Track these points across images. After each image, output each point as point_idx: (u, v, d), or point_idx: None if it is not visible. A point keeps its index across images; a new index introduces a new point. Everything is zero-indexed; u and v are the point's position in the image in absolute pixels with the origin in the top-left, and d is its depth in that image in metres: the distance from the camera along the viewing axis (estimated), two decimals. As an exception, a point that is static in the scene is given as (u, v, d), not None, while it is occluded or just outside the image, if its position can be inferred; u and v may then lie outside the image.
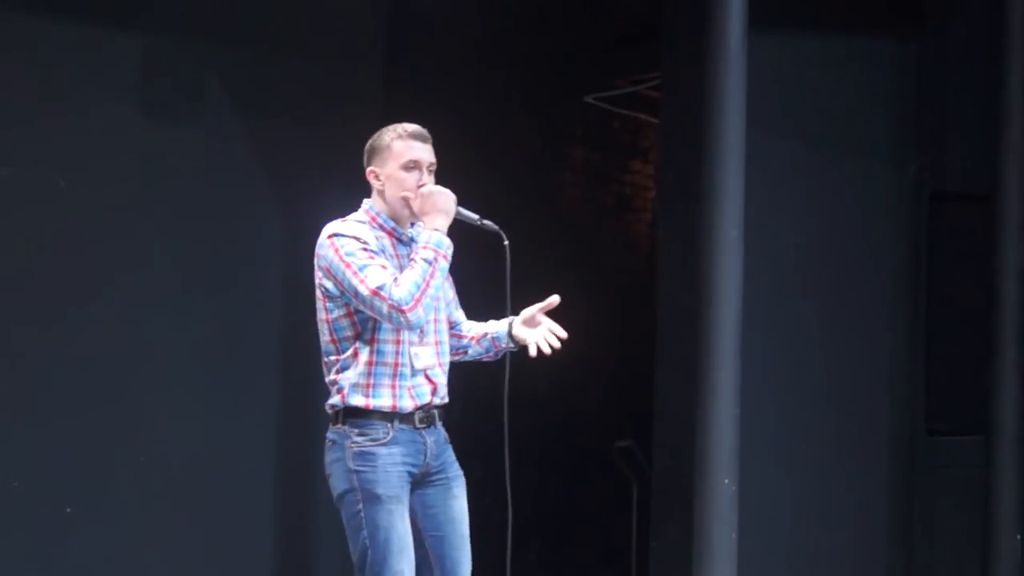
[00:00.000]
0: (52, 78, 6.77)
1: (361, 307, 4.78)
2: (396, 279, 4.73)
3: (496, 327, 5.19)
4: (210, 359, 7.32)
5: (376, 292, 4.70)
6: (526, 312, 5.11)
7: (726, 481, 6.82)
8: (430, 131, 8.95)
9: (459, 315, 5.25)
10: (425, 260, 4.76)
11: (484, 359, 5.26)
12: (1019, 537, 8.09)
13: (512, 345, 5.14)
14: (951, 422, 8.77)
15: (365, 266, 4.75)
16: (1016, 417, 8.06)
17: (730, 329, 6.83)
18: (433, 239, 4.82)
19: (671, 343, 7.99)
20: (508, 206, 9.36)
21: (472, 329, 5.21)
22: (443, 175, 8.97)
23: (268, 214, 7.58)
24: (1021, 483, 8.09)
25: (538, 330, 5.08)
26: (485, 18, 9.04)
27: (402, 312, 4.69)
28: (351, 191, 7.79)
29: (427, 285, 4.73)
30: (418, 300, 4.71)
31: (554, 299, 5.10)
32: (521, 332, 5.10)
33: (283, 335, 7.63)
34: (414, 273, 4.74)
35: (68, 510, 6.80)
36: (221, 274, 7.38)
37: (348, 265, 4.76)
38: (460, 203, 5.03)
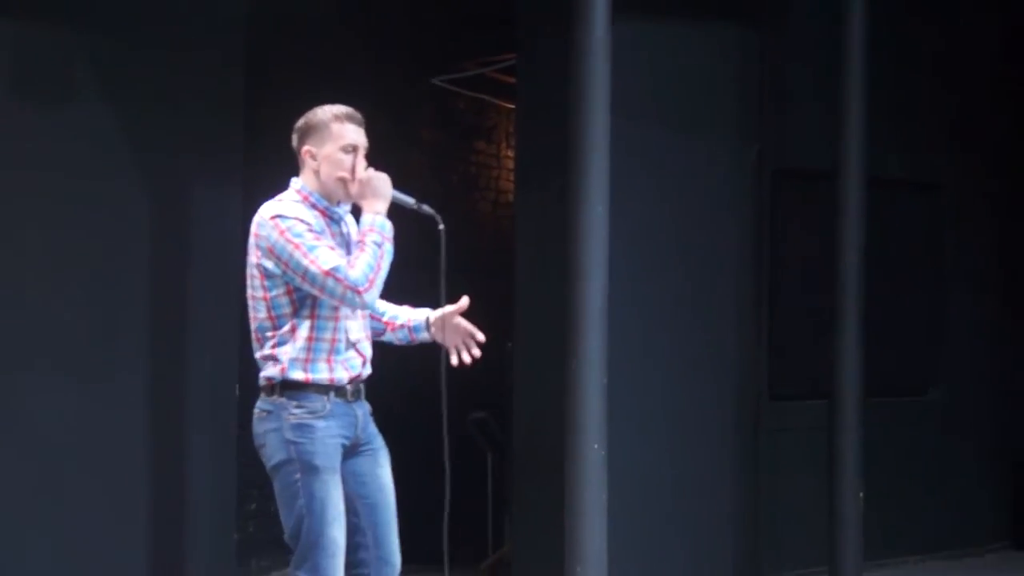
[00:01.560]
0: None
1: (308, 287, 4.87)
2: (349, 261, 4.86)
3: (413, 318, 5.28)
4: (81, 343, 7.35)
5: (330, 273, 4.82)
6: (437, 313, 5.21)
7: (595, 446, 7.08)
8: (281, 113, 9.11)
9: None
10: (375, 243, 4.90)
11: (395, 345, 5.37)
12: (861, 496, 8.48)
13: (428, 338, 5.26)
14: (794, 387, 9.20)
15: (314, 247, 4.86)
16: (857, 382, 8.44)
17: (597, 303, 7.07)
18: (377, 222, 4.95)
19: (530, 317, 8.22)
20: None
21: (388, 314, 5.30)
22: (290, 159, 9.17)
23: (136, 197, 7.63)
24: (862, 445, 8.47)
25: (454, 334, 5.21)
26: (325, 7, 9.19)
27: (358, 293, 4.83)
28: (217, 174, 7.95)
29: (379, 267, 4.88)
30: (372, 281, 4.86)
31: (464, 302, 5.23)
32: (438, 334, 5.22)
33: (152, 317, 7.71)
34: (366, 255, 4.88)
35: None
36: (91, 258, 7.41)
37: (297, 246, 4.86)
38: None
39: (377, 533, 5.04)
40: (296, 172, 5.21)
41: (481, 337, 5.23)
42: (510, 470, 8.62)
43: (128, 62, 7.58)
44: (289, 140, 8.91)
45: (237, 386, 8.17)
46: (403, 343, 5.36)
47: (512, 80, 10.26)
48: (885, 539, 9.30)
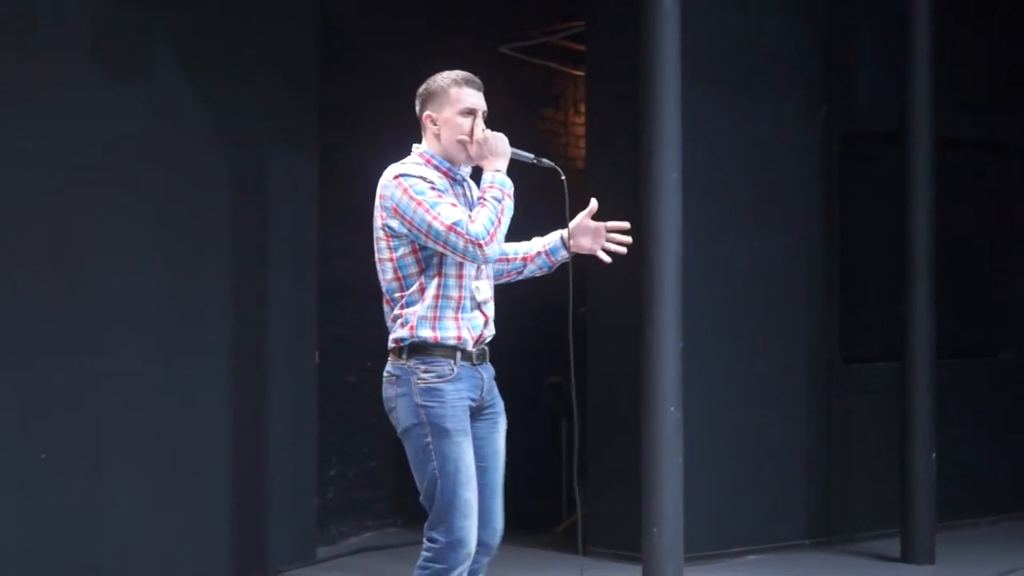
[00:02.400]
0: (6, 42, 6.94)
1: (432, 243, 4.96)
2: (470, 216, 4.95)
3: (547, 242, 5.34)
4: (162, 311, 7.51)
5: (452, 228, 4.89)
6: (573, 224, 5.26)
7: (672, 409, 7.17)
8: (354, 82, 9.20)
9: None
10: (495, 198, 4.97)
11: (537, 275, 5.42)
12: (934, 457, 8.54)
13: (566, 256, 5.30)
14: (865, 350, 9.25)
15: (436, 204, 4.93)
16: (929, 344, 8.48)
17: (672, 268, 7.15)
18: (497, 179, 5.02)
19: (605, 282, 8.31)
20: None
21: (521, 249, 5.36)
22: (374, 122, 9.26)
23: (214, 166, 7.78)
24: (934, 406, 8.52)
25: (596, 237, 5.27)
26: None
27: (479, 246, 4.90)
28: (292, 142, 8.08)
29: (499, 221, 4.95)
30: (493, 235, 4.92)
31: (593, 204, 5.30)
32: (580, 242, 5.27)
33: (232, 284, 7.88)
34: (487, 210, 4.95)
35: (43, 456, 7.01)
36: (172, 228, 7.58)
37: (420, 203, 4.94)
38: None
39: (484, 495, 5.09)
40: (417, 139, 5.26)
41: (626, 224, 5.30)
42: (584, 434, 8.72)
43: (204, 34, 7.74)
44: (361, 106, 9.13)
45: (317, 352, 8.33)
46: (544, 270, 5.40)
47: (578, 47, 10.36)
48: (957, 500, 9.33)
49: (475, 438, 5.08)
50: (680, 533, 7.25)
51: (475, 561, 5.07)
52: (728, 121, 8.55)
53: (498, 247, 4.98)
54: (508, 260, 5.36)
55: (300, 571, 8.18)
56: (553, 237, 5.35)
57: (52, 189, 7.06)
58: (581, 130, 10.99)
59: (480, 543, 5.06)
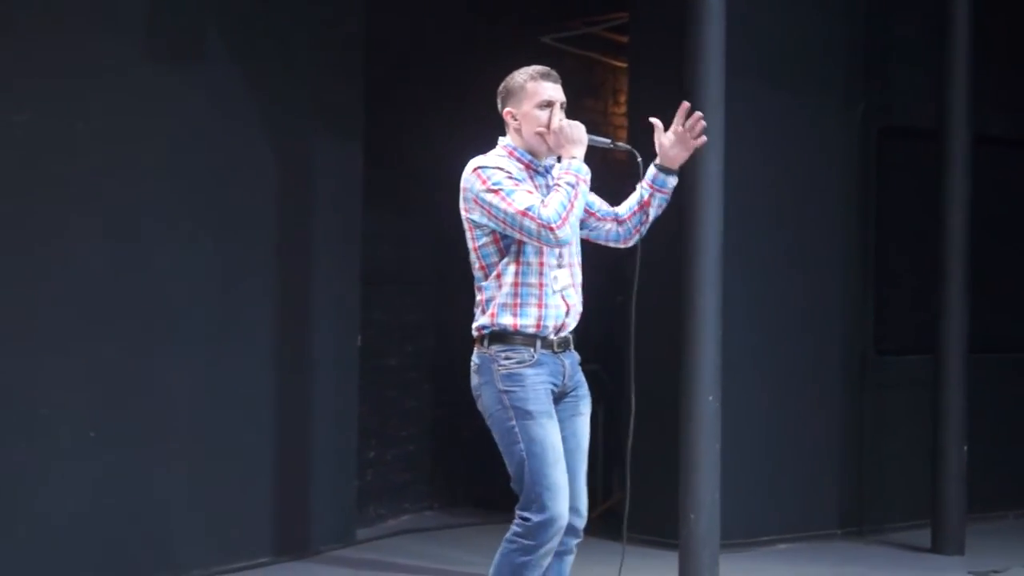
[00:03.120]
0: (63, 26, 7.06)
1: (509, 230, 5.08)
2: (543, 201, 5.06)
3: (649, 180, 5.37)
4: (209, 293, 7.65)
5: (525, 213, 5.02)
6: (667, 139, 5.33)
7: (710, 398, 7.28)
8: (405, 70, 9.31)
9: (612, 209, 5.45)
10: (569, 184, 5.09)
11: (662, 210, 5.43)
12: (965, 449, 8.64)
13: (675, 180, 5.37)
14: (899, 343, 9.36)
15: (512, 191, 5.06)
16: (962, 338, 8.59)
17: (713, 256, 7.24)
18: (573, 166, 5.14)
19: (643, 271, 8.37)
20: (479, 142, 9.80)
21: (630, 205, 5.41)
22: (419, 109, 9.37)
23: (261, 153, 7.91)
24: (966, 399, 8.63)
25: (682, 143, 5.33)
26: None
27: (551, 230, 5.00)
28: (338, 128, 8.20)
29: (572, 205, 5.06)
30: (565, 219, 5.03)
31: (685, 104, 5.39)
32: (675, 158, 5.34)
33: (277, 269, 8.02)
34: (560, 195, 5.06)
35: (92, 434, 7.15)
36: (219, 212, 7.71)
37: (496, 192, 5.07)
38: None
39: (568, 479, 5.17)
40: (502, 132, 5.37)
41: (697, 114, 5.37)
42: (620, 421, 8.83)
43: (254, 19, 7.87)
44: (406, 94, 9.25)
45: (359, 336, 8.46)
46: (663, 204, 5.43)
47: (619, 38, 10.48)
48: (987, 493, 9.41)
49: (559, 420, 5.17)
50: (717, 520, 7.35)
51: (563, 544, 5.19)
52: (768, 115, 8.65)
53: (569, 230, 5.07)
54: (624, 220, 5.43)
55: (340, 552, 8.31)
56: (650, 173, 5.40)
57: (105, 171, 7.17)
58: (620, 120, 11.10)
59: (567, 527, 5.15)
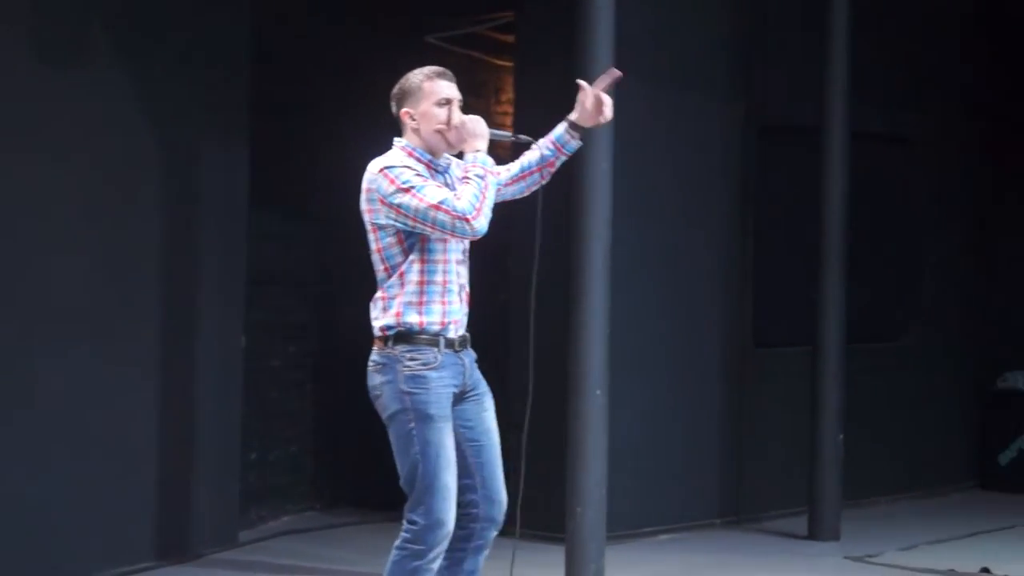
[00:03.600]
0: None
1: (420, 226, 5.11)
2: (455, 194, 5.11)
3: (549, 145, 5.42)
4: (94, 295, 7.55)
5: (437, 206, 5.06)
6: (587, 100, 5.36)
7: (598, 392, 7.37)
8: (290, 72, 9.29)
9: (507, 176, 5.47)
10: (478, 176, 5.15)
11: (552, 166, 5.48)
12: (841, 438, 8.85)
13: (578, 142, 5.42)
14: (777, 335, 9.54)
15: (422, 187, 5.10)
16: (839, 330, 8.80)
17: (600, 253, 7.31)
18: (479, 158, 5.20)
19: (527, 267, 8.42)
20: (365, 144, 9.81)
21: (526, 164, 5.45)
22: (304, 112, 9.36)
23: (146, 153, 7.84)
24: (843, 389, 8.85)
25: (597, 107, 5.37)
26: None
27: (466, 220, 5.06)
28: (224, 129, 8.17)
29: (484, 196, 5.11)
30: (479, 209, 5.09)
31: (617, 73, 5.46)
32: (587, 117, 5.38)
33: (163, 269, 7.95)
34: (471, 187, 5.12)
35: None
36: (105, 212, 7.62)
37: (406, 190, 5.10)
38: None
39: (484, 473, 5.28)
40: (397, 133, 5.39)
41: (614, 73, 5.45)
42: (504, 420, 8.86)
43: (139, 19, 7.78)
44: (291, 96, 9.23)
45: (243, 337, 8.44)
46: (552, 159, 5.47)
47: (502, 37, 10.58)
48: (860, 480, 9.65)
49: (464, 420, 5.27)
50: (603, 514, 7.44)
51: (480, 537, 5.29)
52: (652, 113, 8.77)
53: (485, 220, 5.13)
54: (522, 177, 5.49)
55: (222, 555, 8.25)
56: (560, 134, 5.44)
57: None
58: (502, 119, 11.17)
59: (486, 517, 5.27)
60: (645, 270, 8.78)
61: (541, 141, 5.49)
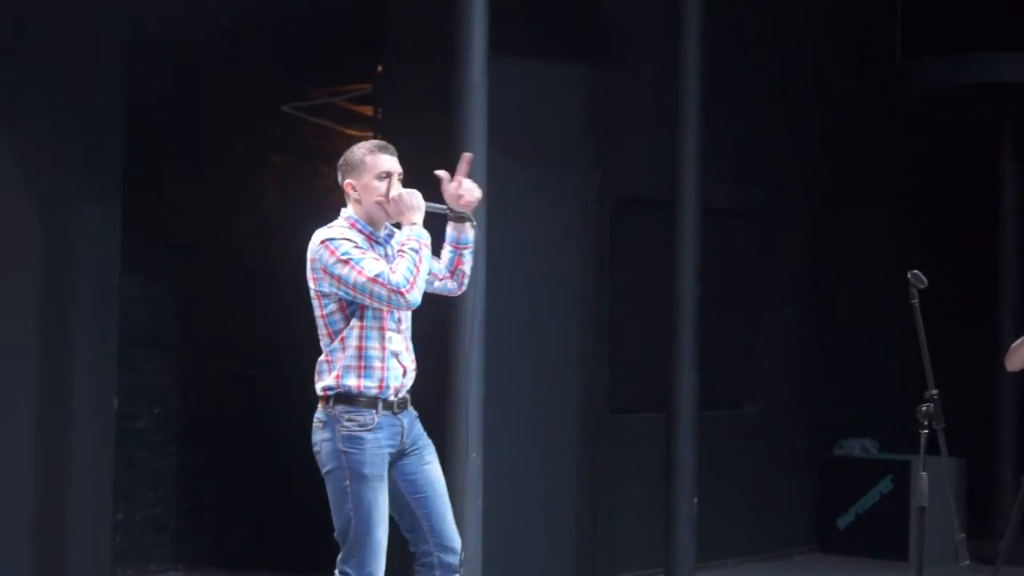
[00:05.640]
0: None
1: (360, 297, 5.37)
2: (391, 268, 5.37)
3: (448, 240, 5.72)
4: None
5: (374, 279, 5.33)
6: (452, 188, 5.65)
7: (473, 455, 7.63)
8: (161, 139, 9.45)
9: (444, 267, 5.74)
10: (412, 249, 5.42)
11: (474, 256, 5.80)
12: (695, 501, 9.20)
13: (470, 235, 5.71)
14: (631, 402, 9.89)
15: (360, 259, 5.37)
16: (693, 396, 9.16)
17: (475, 319, 7.60)
18: (414, 232, 5.46)
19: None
20: (226, 206, 10.06)
21: (446, 265, 5.73)
22: (173, 177, 9.50)
23: (19, 213, 8.00)
24: (697, 454, 9.21)
25: (460, 193, 5.67)
26: (204, 37, 9.64)
27: (401, 294, 5.34)
28: (98, 195, 8.31)
29: (418, 270, 5.39)
30: (413, 283, 5.37)
31: (467, 156, 5.77)
32: (456, 208, 5.68)
33: (37, 329, 8.08)
34: (405, 260, 5.39)
35: None
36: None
37: (346, 262, 5.36)
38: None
39: (432, 522, 5.54)
40: (342, 204, 5.67)
41: (467, 156, 5.79)
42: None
43: (14, 84, 7.96)
44: (161, 162, 9.39)
45: (115, 400, 8.56)
46: (472, 251, 5.77)
47: (357, 108, 10.87)
48: (708, 543, 9.93)
49: (407, 475, 5.53)
50: (479, 572, 7.68)
51: None
52: (513, 183, 9.03)
53: (419, 293, 5.42)
54: (442, 278, 5.77)
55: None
56: (449, 233, 5.75)
57: None
58: (355, 188, 11.43)
59: (442, 564, 5.55)
60: (499, 336, 9.00)
61: (444, 252, 5.75)
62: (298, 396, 10.43)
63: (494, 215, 8.56)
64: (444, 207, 5.72)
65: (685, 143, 9.13)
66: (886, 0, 11.15)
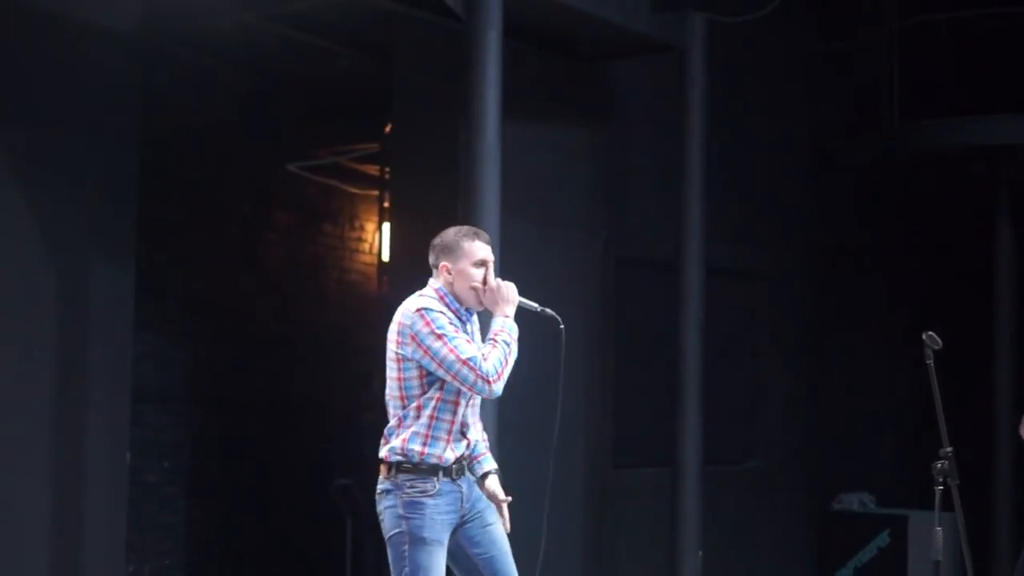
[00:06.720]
0: None
1: (444, 372, 5.49)
2: (483, 355, 5.50)
3: (481, 467, 5.80)
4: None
5: (466, 362, 5.46)
6: (489, 487, 5.76)
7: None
8: (175, 198, 9.62)
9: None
10: (504, 342, 5.58)
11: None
12: (700, 554, 9.33)
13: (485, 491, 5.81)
14: (636, 457, 10.03)
15: (454, 338, 5.50)
16: (698, 451, 9.31)
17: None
18: (508, 325, 5.63)
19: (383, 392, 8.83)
20: (234, 266, 10.23)
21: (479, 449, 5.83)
22: (185, 237, 9.65)
23: (36, 273, 8.14)
24: (702, 507, 9.35)
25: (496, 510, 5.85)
26: (213, 103, 9.86)
27: (488, 382, 5.49)
28: (112, 254, 8.46)
29: (507, 362, 5.56)
30: (501, 373, 5.53)
31: (505, 499, 5.86)
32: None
33: (54, 387, 8.20)
34: (498, 351, 5.55)
35: None
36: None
37: (440, 336, 5.48)
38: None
39: None
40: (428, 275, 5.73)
41: (508, 499, 5.90)
42: (368, 535, 9.18)
43: (30, 147, 8.12)
44: (174, 221, 9.56)
45: (128, 455, 8.69)
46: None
47: (359, 167, 11.08)
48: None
49: (470, 538, 5.66)
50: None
51: None
52: (523, 245, 9.18)
53: (502, 384, 5.55)
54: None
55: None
56: (486, 466, 5.83)
57: None
58: (355, 244, 11.62)
59: None
60: (513, 391, 9.16)
61: (486, 458, 5.83)
62: (305, 450, 10.67)
63: (500, 275, 8.72)
64: (536, 305, 5.88)
65: (689, 205, 9.33)
66: (885, 64, 11.36)
